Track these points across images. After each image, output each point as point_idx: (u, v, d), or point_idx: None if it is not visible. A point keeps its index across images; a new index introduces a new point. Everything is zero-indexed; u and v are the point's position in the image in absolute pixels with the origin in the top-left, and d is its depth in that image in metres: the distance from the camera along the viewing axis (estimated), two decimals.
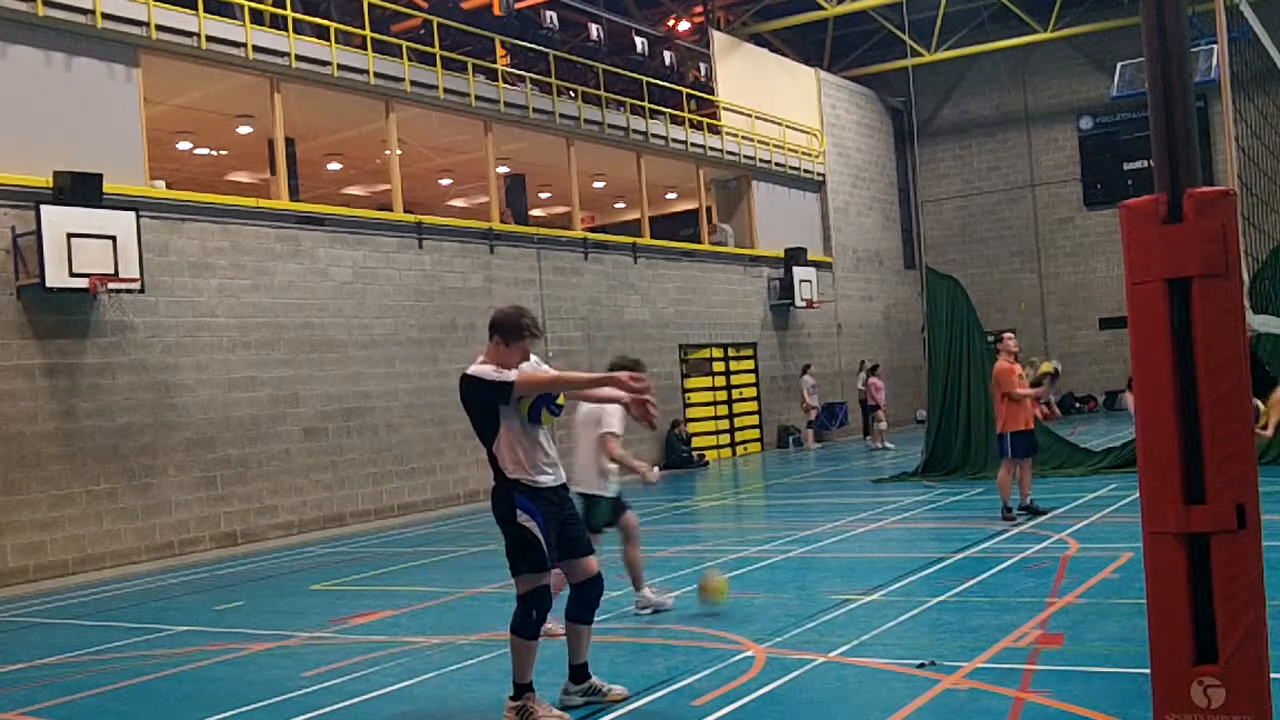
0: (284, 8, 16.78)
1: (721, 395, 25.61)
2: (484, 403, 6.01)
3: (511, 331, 6.04)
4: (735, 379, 26.08)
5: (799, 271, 26.82)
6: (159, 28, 14.85)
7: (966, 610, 7.87)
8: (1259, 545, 3.43)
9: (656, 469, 8.68)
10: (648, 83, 23.91)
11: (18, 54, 13.61)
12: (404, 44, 18.52)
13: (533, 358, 6.24)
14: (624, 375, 5.91)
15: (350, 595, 10.62)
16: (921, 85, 32.07)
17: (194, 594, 11.58)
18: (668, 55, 25.82)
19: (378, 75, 17.82)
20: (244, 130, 19.49)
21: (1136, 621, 6.59)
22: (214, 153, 21.43)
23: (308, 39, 17.02)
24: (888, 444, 24.23)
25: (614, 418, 7.94)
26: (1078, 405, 31.76)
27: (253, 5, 16.14)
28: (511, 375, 5.89)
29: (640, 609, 8.50)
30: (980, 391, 15.83)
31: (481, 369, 5.99)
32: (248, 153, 20.71)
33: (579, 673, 6.28)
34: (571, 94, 22.30)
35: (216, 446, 15.06)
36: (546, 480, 6.06)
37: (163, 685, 7.47)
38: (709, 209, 26.92)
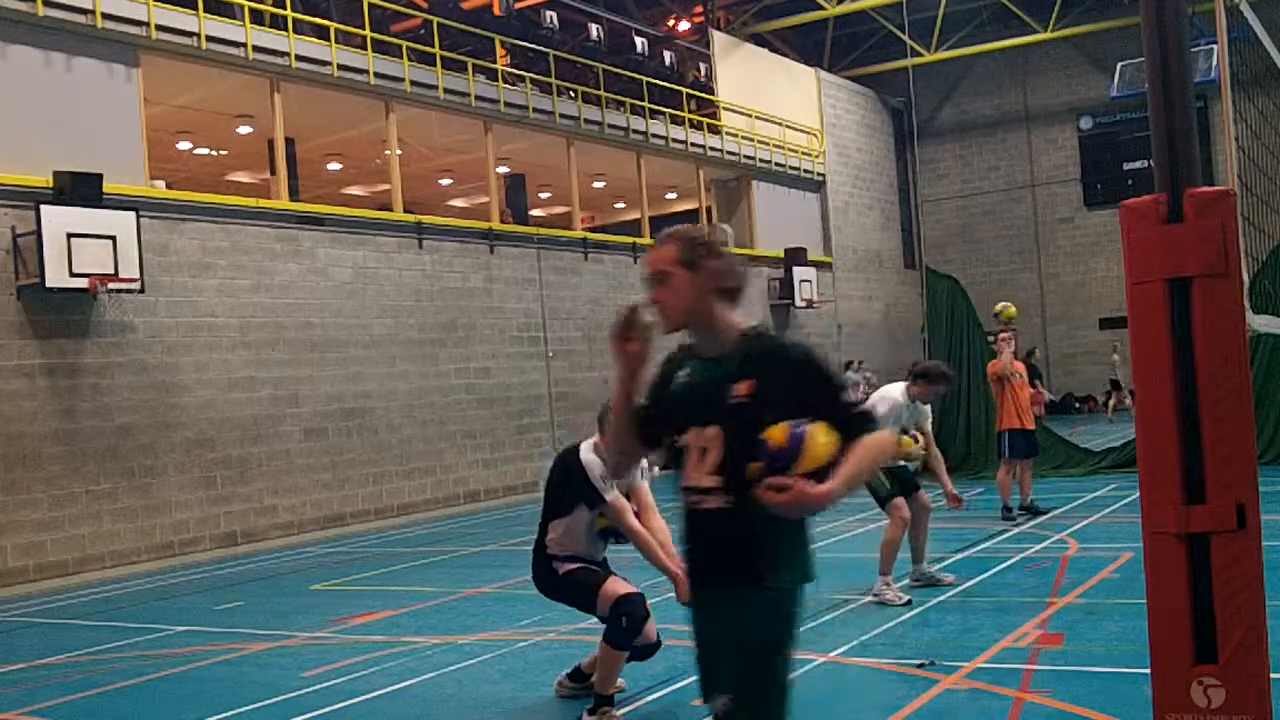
0: (284, 8, 16.77)
1: None
2: (578, 491, 5.92)
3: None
4: None
5: (799, 271, 26.81)
6: (159, 28, 14.85)
7: (966, 610, 7.87)
8: (1259, 545, 3.43)
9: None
10: (648, 83, 23.90)
11: (18, 54, 13.60)
12: (404, 44, 18.52)
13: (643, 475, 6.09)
14: (679, 581, 5.37)
15: (350, 595, 10.62)
16: (921, 85, 32.07)
17: (194, 594, 11.58)
18: (668, 55, 25.82)
19: (378, 75, 17.82)
20: (244, 130, 19.48)
21: (1136, 621, 6.57)
22: (214, 153, 21.42)
23: (308, 39, 17.02)
24: None
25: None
26: (1078, 405, 31.75)
27: (253, 5, 16.14)
28: (610, 495, 5.80)
29: (913, 581, 8.66)
30: (980, 391, 15.83)
31: (591, 461, 5.86)
32: (248, 153, 20.71)
33: (581, 675, 6.28)
34: (571, 94, 22.29)
35: (216, 446, 15.06)
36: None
37: (163, 685, 7.47)
38: (709, 209, 26.91)
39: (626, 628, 5.73)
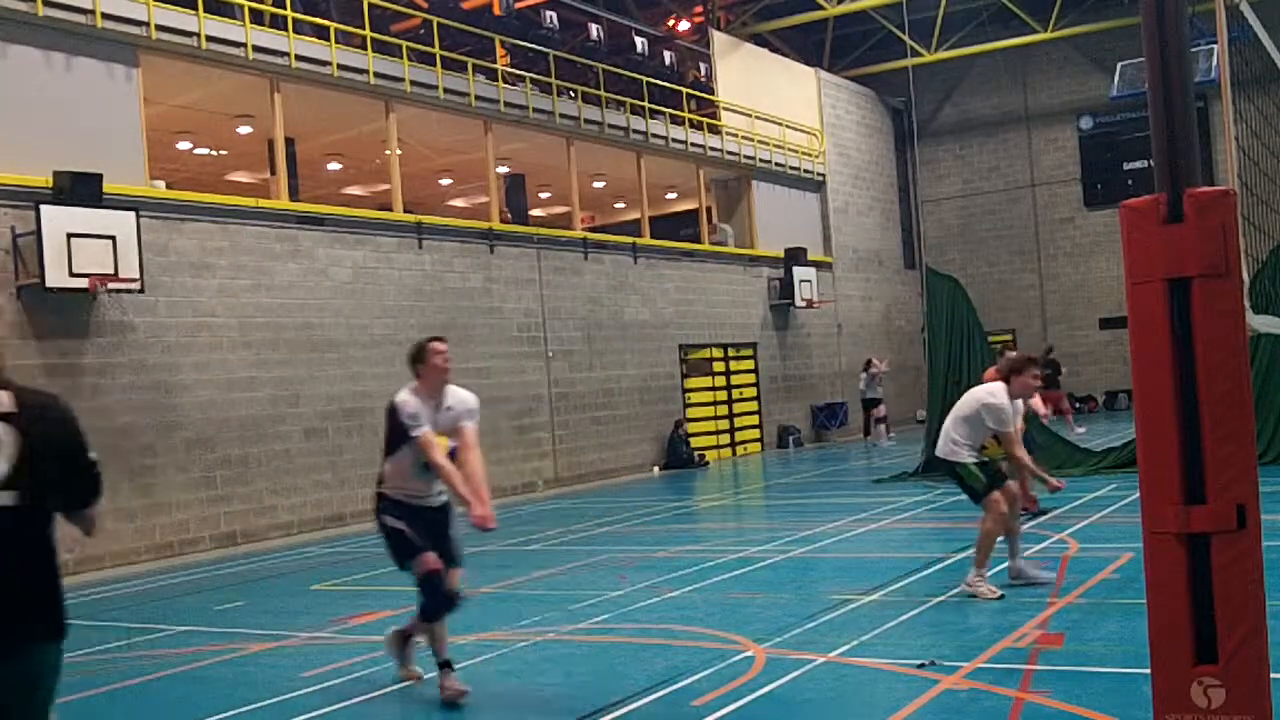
0: (284, 8, 16.77)
1: (721, 395, 25.60)
2: (397, 429, 6.55)
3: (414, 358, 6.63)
4: (735, 379, 26.08)
5: (799, 271, 26.82)
6: (159, 28, 14.85)
7: (966, 610, 7.87)
8: (1259, 545, 3.43)
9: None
10: (648, 83, 23.90)
11: (18, 54, 13.60)
12: (404, 44, 18.52)
13: (468, 405, 6.73)
14: (477, 509, 6.19)
15: (350, 595, 10.62)
16: (921, 85, 32.06)
17: (194, 594, 11.58)
18: (668, 55, 25.81)
19: (378, 75, 17.82)
20: (244, 130, 19.48)
21: (1136, 621, 6.58)
22: (214, 153, 21.42)
23: (308, 39, 17.02)
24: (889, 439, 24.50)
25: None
26: (1078, 405, 31.76)
27: (253, 5, 16.14)
28: (420, 430, 6.40)
29: (1012, 579, 8.51)
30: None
31: (403, 400, 6.51)
32: (248, 153, 20.71)
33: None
34: (571, 94, 22.29)
35: (216, 446, 15.06)
36: (414, 502, 6.59)
37: (162, 685, 7.47)
38: (709, 209, 26.92)
39: (430, 604, 6.43)
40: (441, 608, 6.45)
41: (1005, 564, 8.57)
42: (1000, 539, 8.39)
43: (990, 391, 8.35)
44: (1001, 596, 8.02)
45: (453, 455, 6.46)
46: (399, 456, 6.52)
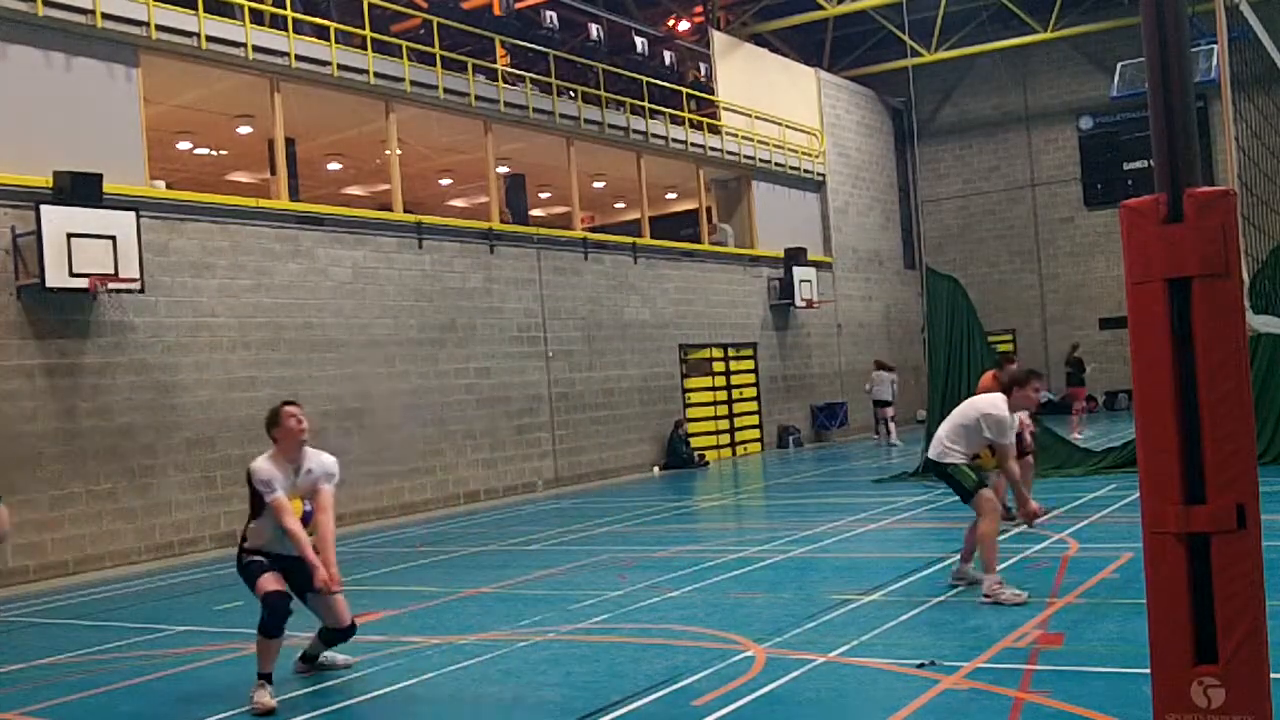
0: (284, 8, 16.77)
1: (721, 395, 25.60)
2: (256, 494, 6.83)
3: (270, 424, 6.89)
4: (735, 379, 26.08)
5: (799, 271, 26.82)
6: (159, 28, 14.85)
7: (966, 610, 7.86)
8: (1259, 545, 3.43)
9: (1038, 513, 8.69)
10: (648, 83, 23.90)
11: (18, 54, 13.60)
12: (404, 44, 18.52)
13: (327, 469, 6.98)
14: (321, 574, 6.63)
15: (350, 595, 10.58)
16: (921, 85, 32.06)
17: (194, 594, 11.58)
18: (668, 55, 25.82)
19: (378, 75, 17.82)
20: (244, 130, 19.49)
21: (1136, 621, 6.59)
22: (214, 153, 21.42)
23: (308, 39, 17.02)
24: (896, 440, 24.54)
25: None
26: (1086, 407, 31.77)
27: (253, 5, 16.14)
28: (272, 496, 6.66)
29: (954, 580, 8.62)
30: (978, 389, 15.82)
31: (256, 468, 6.78)
32: (248, 153, 20.71)
33: (310, 657, 7.26)
34: (571, 94, 22.30)
35: (216, 446, 15.06)
36: (276, 552, 6.89)
37: (163, 685, 7.47)
38: (709, 209, 26.92)
39: (266, 619, 6.66)
40: (273, 625, 6.67)
41: (953, 564, 8.67)
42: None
43: (993, 403, 8.34)
44: (1027, 600, 7.82)
45: (309, 517, 6.81)
46: (260, 520, 6.82)
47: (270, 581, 6.72)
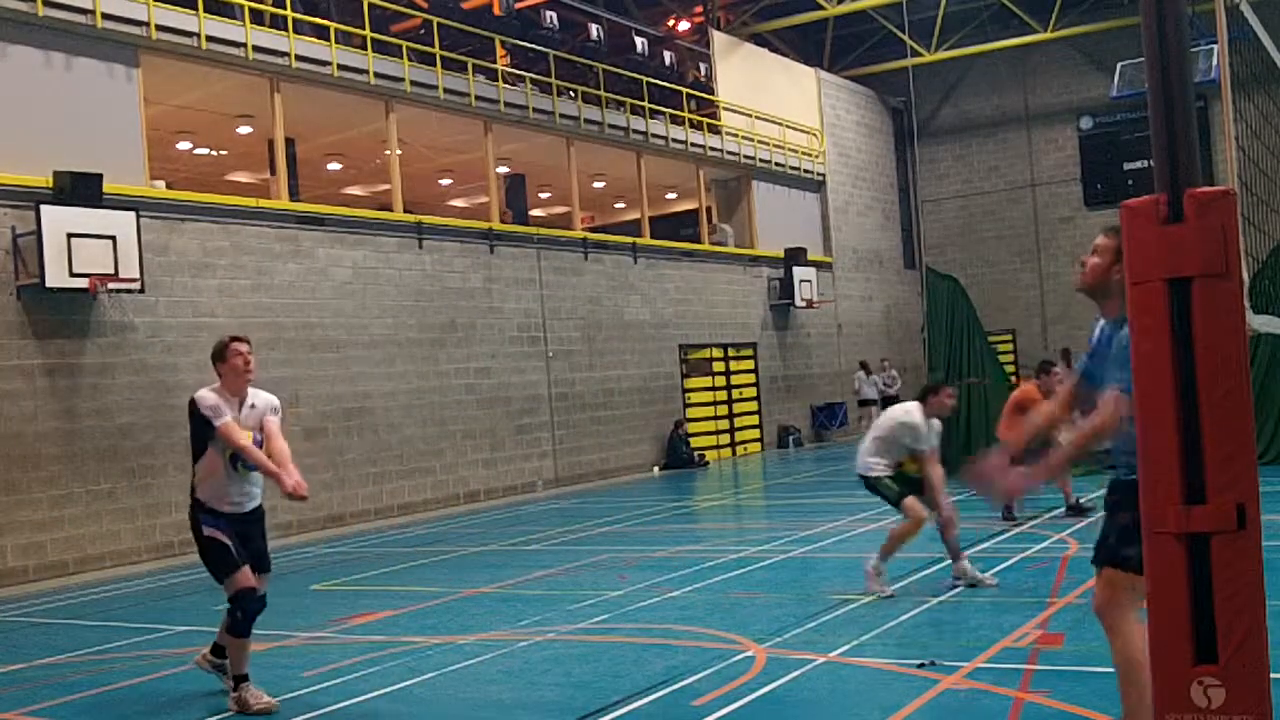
0: (284, 8, 16.77)
1: (721, 395, 25.60)
2: (199, 427, 6.54)
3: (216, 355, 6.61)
4: (735, 379, 26.08)
5: (799, 271, 26.82)
6: (159, 28, 14.85)
7: (966, 610, 7.87)
8: (1259, 545, 3.43)
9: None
10: (648, 83, 23.90)
11: (18, 54, 13.60)
12: (404, 44, 18.52)
13: (271, 403, 6.73)
14: (288, 481, 6.31)
15: (350, 595, 10.62)
16: (921, 85, 32.06)
17: (194, 594, 11.57)
18: (668, 55, 25.81)
19: (378, 75, 17.82)
20: (244, 130, 19.48)
21: None
22: (214, 153, 21.42)
23: (308, 39, 17.02)
24: None
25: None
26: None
27: (253, 5, 16.14)
28: (221, 420, 6.41)
29: (955, 579, 8.78)
30: (980, 391, 15.82)
31: (201, 396, 6.52)
32: (248, 153, 20.71)
33: (220, 651, 6.83)
34: (571, 94, 22.30)
35: None
36: (228, 509, 6.56)
37: (163, 685, 7.47)
38: (709, 209, 26.92)
39: (240, 620, 6.45)
40: (249, 625, 6.50)
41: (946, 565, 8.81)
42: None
43: (906, 411, 8.81)
44: (891, 596, 8.37)
45: (260, 446, 6.53)
46: (208, 456, 6.51)
47: (242, 579, 6.44)
